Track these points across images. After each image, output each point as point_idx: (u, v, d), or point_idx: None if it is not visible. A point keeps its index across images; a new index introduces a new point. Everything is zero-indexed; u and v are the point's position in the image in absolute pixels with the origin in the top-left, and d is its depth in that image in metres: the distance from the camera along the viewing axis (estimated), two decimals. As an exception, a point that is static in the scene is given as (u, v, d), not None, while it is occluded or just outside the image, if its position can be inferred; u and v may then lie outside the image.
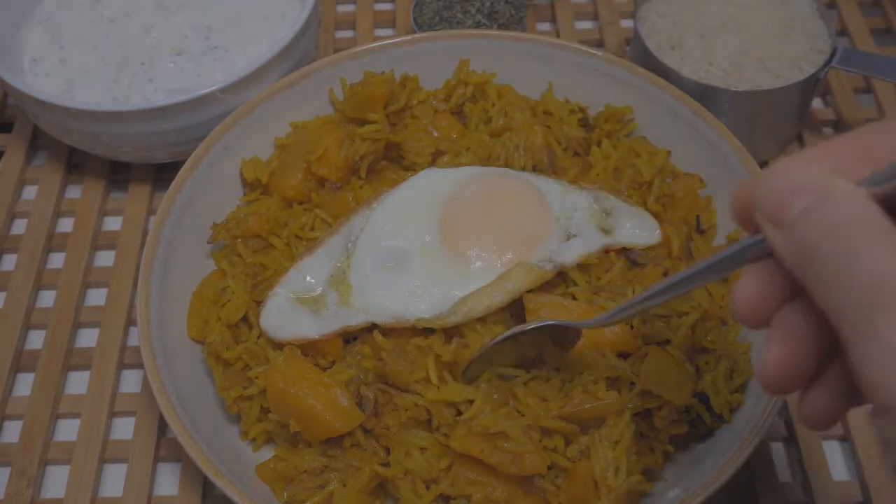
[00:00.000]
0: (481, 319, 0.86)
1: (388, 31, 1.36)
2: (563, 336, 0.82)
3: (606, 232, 0.94)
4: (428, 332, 0.86)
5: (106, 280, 1.08)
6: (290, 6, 1.19)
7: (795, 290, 0.50)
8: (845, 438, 0.93)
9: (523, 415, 0.81)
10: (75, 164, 1.20)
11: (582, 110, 1.06)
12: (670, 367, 0.83)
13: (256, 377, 0.87)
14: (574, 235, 0.92)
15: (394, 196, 0.95)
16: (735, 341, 0.88)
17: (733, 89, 1.06)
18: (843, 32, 1.31)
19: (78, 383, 1.01)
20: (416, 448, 0.83)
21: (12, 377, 1.00)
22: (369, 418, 0.84)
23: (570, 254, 0.91)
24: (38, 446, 0.94)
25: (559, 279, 0.90)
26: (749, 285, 0.52)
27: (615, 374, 0.83)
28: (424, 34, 1.11)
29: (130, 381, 1.01)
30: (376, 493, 0.84)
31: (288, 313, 0.90)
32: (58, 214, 1.15)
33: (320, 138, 1.00)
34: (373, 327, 0.88)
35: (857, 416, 0.93)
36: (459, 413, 0.82)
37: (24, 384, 1.00)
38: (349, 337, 0.90)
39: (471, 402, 0.81)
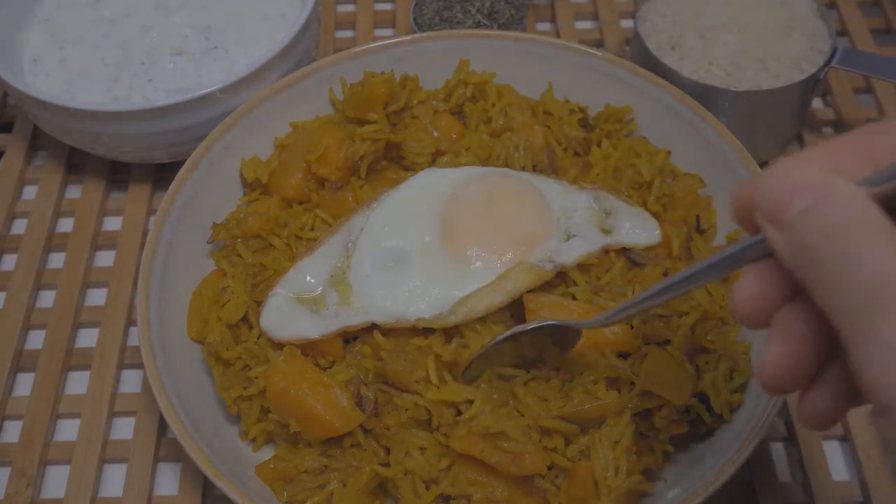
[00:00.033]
0: (481, 319, 0.86)
1: (388, 31, 1.36)
2: (563, 336, 0.82)
3: (606, 232, 0.94)
4: (428, 332, 0.86)
5: (106, 280, 1.08)
6: (290, 6, 1.19)
7: (795, 290, 0.50)
8: (845, 438, 0.93)
9: (523, 415, 0.81)
10: (75, 164, 1.20)
11: (582, 110, 1.06)
12: (670, 367, 0.83)
13: (256, 377, 0.87)
14: (574, 235, 0.92)
15: (394, 196, 0.95)
16: (735, 341, 0.88)
17: (733, 89, 1.06)
18: (843, 32, 1.31)
19: (78, 383, 1.01)
20: (416, 448, 0.83)
21: (12, 377, 1.00)
22: (369, 418, 0.84)
23: (570, 254, 0.91)
24: (38, 446, 0.94)
25: (559, 279, 0.90)
26: (749, 285, 0.52)
27: (615, 374, 0.83)
28: (424, 34, 1.11)
29: (130, 381, 1.01)
30: (376, 493, 0.84)
31: (288, 313, 0.90)
32: (58, 214, 1.15)
33: (320, 138, 1.00)
34: (373, 327, 0.88)
35: (857, 417, 0.93)
36: (459, 413, 0.82)
37: (24, 384, 1.00)
38: (349, 337, 0.90)
39: (471, 402, 0.81)
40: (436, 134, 1.04)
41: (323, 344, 0.88)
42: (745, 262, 0.54)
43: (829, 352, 0.50)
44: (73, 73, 1.13)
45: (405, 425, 0.84)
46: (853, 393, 0.50)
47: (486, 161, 1.00)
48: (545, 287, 0.89)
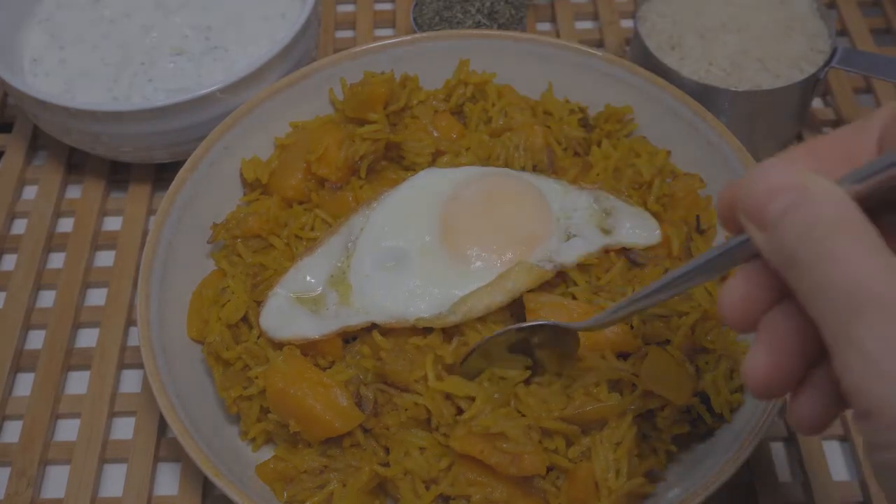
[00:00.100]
0: (481, 319, 0.86)
1: (388, 31, 1.36)
2: (563, 343, 0.82)
3: (606, 232, 0.94)
4: (427, 331, 0.86)
5: (106, 280, 1.08)
6: (290, 6, 1.19)
7: (784, 292, 0.50)
8: (845, 438, 0.94)
9: (524, 415, 0.81)
10: (75, 164, 1.20)
11: (582, 110, 1.06)
12: (670, 367, 0.83)
13: (256, 377, 0.87)
14: (574, 235, 0.92)
15: (394, 196, 0.95)
16: (735, 341, 0.88)
17: (733, 89, 1.06)
18: (843, 32, 1.31)
19: (78, 383, 1.01)
20: (415, 448, 0.83)
21: (12, 377, 1.00)
22: (369, 418, 0.84)
23: (570, 254, 0.91)
24: (38, 446, 0.94)
25: (559, 279, 0.90)
26: (736, 287, 0.51)
27: (617, 376, 0.83)
28: (424, 34, 1.11)
29: (130, 381, 1.01)
30: (376, 493, 0.84)
31: (288, 313, 0.90)
32: (58, 214, 1.15)
33: (320, 138, 1.00)
34: (372, 327, 0.88)
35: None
36: (460, 412, 0.82)
37: (24, 384, 1.00)
38: (349, 337, 0.90)
39: (471, 399, 0.81)
40: (436, 134, 1.04)
41: (323, 344, 0.88)
42: (737, 262, 0.54)
43: (818, 354, 0.50)
44: (73, 73, 1.13)
45: (405, 425, 0.84)
46: (842, 396, 0.50)
47: (486, 161, 1.00)
48: (545, 287, 0.89)
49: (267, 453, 0.88)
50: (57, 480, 0.94)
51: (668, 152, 1.03)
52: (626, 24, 1.34)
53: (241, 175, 1.04)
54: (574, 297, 0.88)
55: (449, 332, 0.86)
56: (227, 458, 0.84)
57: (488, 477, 0.80)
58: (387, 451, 0.85)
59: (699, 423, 0.84)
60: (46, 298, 1.08)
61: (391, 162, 1.03)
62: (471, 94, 1.07)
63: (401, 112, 1.04)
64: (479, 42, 1.10)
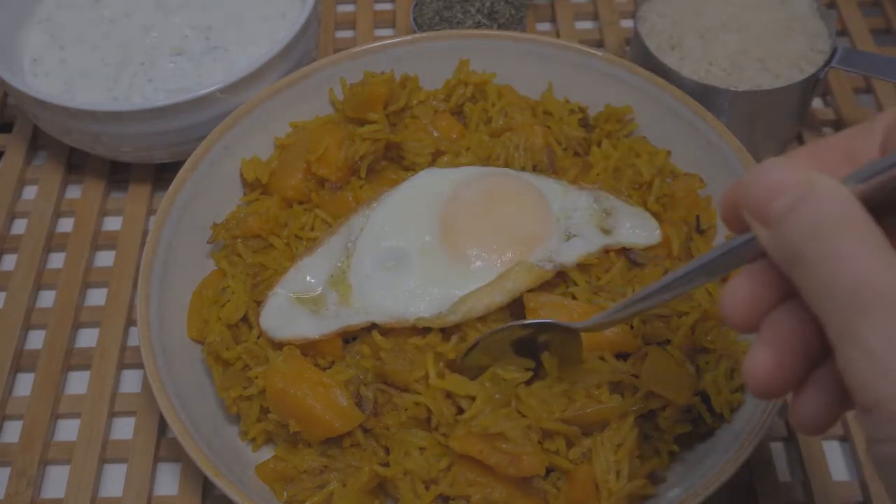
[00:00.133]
0: (481, 319, 0.86)
1: (388, 31, 1.36)
2: (567, 348, 0.82)
3: (606, 232, 0.94)
4: (427, 331, 0.86)
5: (106, 280, 1.08)
6: (290, 6, 1.19)
7: (787, 292, 0.50)
8: (845, 438, 0.94)
9: (525, 416, 0.81)
10: (75, 164, 1.20)
11: (582, 110, 1.06)
12: (670, 367, 0.83)
13: (256, 377, 0.87)
14: (574, 235, 0.92)
15: (394, 196, 0.95)
16: (735, 341, 0.88)
17: (733, 89, 1.06)
18: (843, 32, 1.31)
19: (78, 383, 1.01)
20: (415, 448, 0.83)
21: (12, 377, 1.00)
22: (369, 418, 0.84)
23: (570, 254, 0.91)
24: (38, 446, 0.94)
25: (559, 279, 0.90)
26: (741, 286, 0.51)
27: (619, 378, 0.83)
28: (424, 34, 1.11)
29: (130, 381, 1.01)
30: (376, 493, 0.84)
31: (288, 313, 0.90)
32: (58, 214, 1.15)
33: (320, 138, 1.00)
34: (372, 327, 0.88)
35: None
36: (460, 412, 0.82)
37: (24, 384, 1.00)
38: (349, 337, 0.90)
39: (472, 398, 0.81)
40: (436, 134, 1.04)
41: (323, 344, 0.88)
42: (739, 263, 0.54)
43: (820, 354, 0.50)
44: (73, 73, 1.13)
45: (405, 425, 0.84)
46: (846, 394, 0.50)
47: (486, 161, 1.00)
48: (545, 287, 0.89)
49: (267, 453, 0.88)
50: (57, 480, 0.94)
51: (668, 152, 1.03)
52: (626, 24, 1.34)
53: (241, 175, 1.04)
54: (574, 297, 0.88)
55: (448, 332, 0.86)
56: (227, 458, 0.84)
57: (488, 477, 0.80)
58: (387, 451, 0.85)
59: (700, 423, 0.84)
60: (46, 298, 1.08)
61: (391, 162, 1.03)
62: (471, 94, 1.07)
63: (401, 112, 1.04)
64: (479, 42, 1.10)
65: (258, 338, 0.90)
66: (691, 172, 1.00)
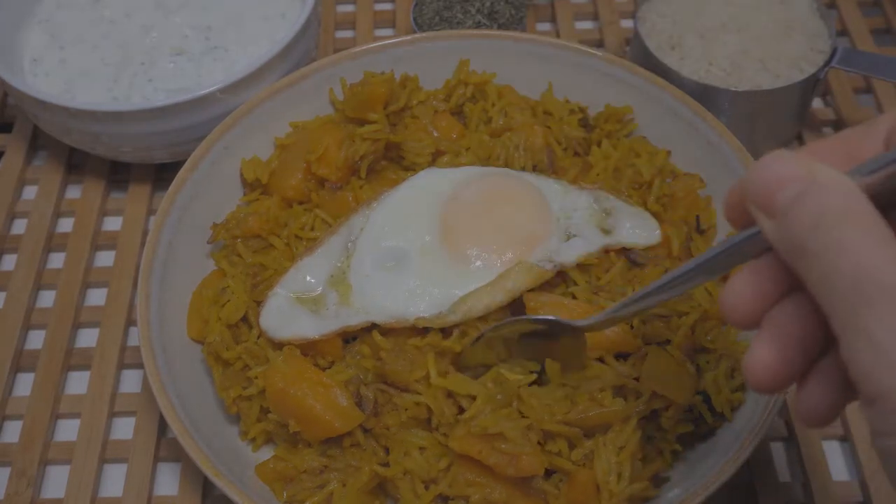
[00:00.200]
0: (481, 318, 0.86)
1: (388, 31, 1.36)
2: (571, 352, 0.82)
3: (606, 232, 0.94)
4: (427, 331, 0.86)
5: (106, 280, 1.08)
6: (290, 6, 1.19)
7: (790, 286, 0.50)
8: (845, 438, 0.93)
9: (526, 416, 0.81)
10: (75, 164, 1.20)
11: (582, 110, 1.06)
12: (671, 367, 0.83)
13: (256, 377, 0.87)
14: (574, 235, 0.93)
15: (394, 196, 0.95)
16: (735, 341, 0.88)
17: (733, 89, 1.06)
18: (843, 32, 1.31)
19: (78, 383, 1.01)
20: (415, 448, 0.83)
21: (12, 377, 1.00)
22: (369, 418, 0.84)
23: (570, 254, 0.91)
24: (38, 446, 0.94)
25: (559, 279, 0.90)
26: (745, 281, 0.52)
27: (622, 382, 0.83)
28: (424, 34, 1.11)
29: (130, 381, 1.01)
30: (376, 493, 0.84)
31: (288, 313, 0.90)
32: (58, 214, 1.15)
33: (320, 138, 1.00)
34: (372, 327, 0.88)
35: (858, 417, 0.93)
36: (461, 412, 0.82)
37: (24, 384, 1.00)
38: (349, 337, 0.90)
39: (472, 398, 0.81)
40: (436, 134, 1.04)
41: (322, 344, 0.88)
42: (738, 261, 0.54)
43: (822, 348, 0.50)
44: (73, 73, 1.13)
45: (405, 425, 0.84)
46: (849, 385, 0.50)
47: (486, 161, 1.00)
48: (545, 287, 0.89)
49: (267, 453, 0.88)
50: (57, 480, 0.94)
51: (668, 152, 1.03)
52: (626, 24, 1.34)
53: (241, 175, 1.04)
54: (574, 297, 0.88)
55: (448, 332, 0.86)
56: (227, 458, 0.84)
57: (487, 477, 0.80)
58: (387, 451, 0.85)
59: (701, 423, 0.84)
60: (46, 298, 1.08)
61: (391, 162, 1.03)
62: (471, 94, 1.07)
63: (401, 112, 1.04)
64: (479, 42, 1.10)
65: (258, 338, 0.90)
66: (691, 172, 1.00)
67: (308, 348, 0.88)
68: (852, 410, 0.92)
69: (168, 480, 0.93)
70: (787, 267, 0.49)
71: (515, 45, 1.09)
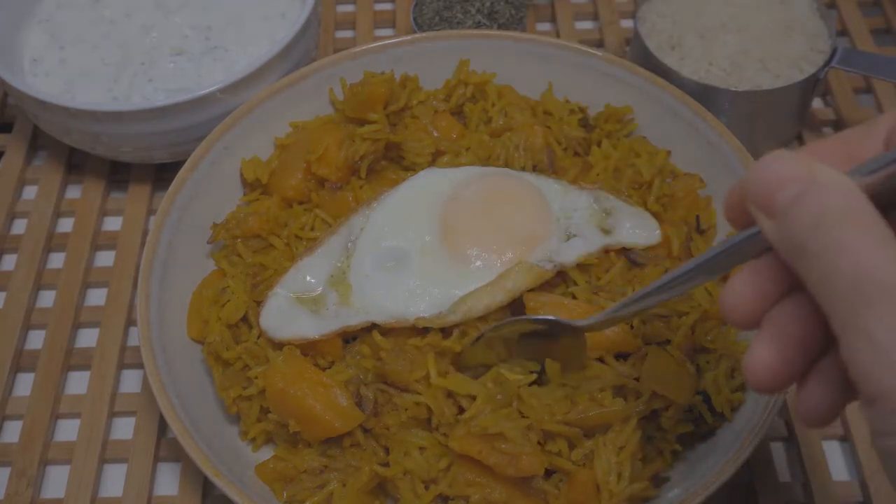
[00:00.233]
0: (481, 318, 0.86)
1: (388, 31, 1.36)
2: (572, 353, 0.82)
3: (606, 232, 0.94)
4: (427, 331, 0.86)
5: (106, 280, 1.08)
6: (290, 6, 1.19)
7: (788, 288, 0.50)
8: (845, 438, 0.93)
9: (526, 416, 0.81)
10: (75, 164, 1.20)
11: (582, 110, 1.06)
12: (670, 367, 0.83)
13: (256, 377, 0.87)
14: (574, 235, 0.93)
15: (394, 196, 0.95)
16: (735, 341, 0.88)
17: (733, 89, 1.06)
18: (843, 32, 1.31)
19: (78, 383, 1.01)
20: (415, 448, 0.83)
21: (12, 377, 1.00)
22: (369, 418, 0.84)
23: (570, 254, 0.91)
24: (38, 446, 0.94)
25: (559, 279, 0.90)
26: (746, 280, 0.52)
27: (622, 383, 0.83)
28: (424, 34, 1.11)
29: (130, 381, 1.01)
30: (376, 493, 0.84)
31: (288, 313, 0.90)
32: (58, 214, 1.15)
33: (320, 138, 1.00)
34: (372, 327, 0.88)
35: (858, 417, 0.93)
36: (461, 412, 0.82)
37: (24, 384, 1.00)
38: (349, 337, 0.90)
39: (473, 398, 0.81)
40: (436, 134, 1.04)
41: (322, 344, 0.88)
42: (738, 261, 0.54)
43: (822, 348, 0.50)
44: (73, 73, 1.13)
45: (405, 425, 0.84)
46: (849, 385, 0.50)
47: (486, 161, 1.00)
48: (545, 287, 0.89)
49: (267, 453, 0.88)
50: (57, 480, 0.94)
51: (668, 152, 1.03)
52: (626, 24, 1.34)
53: (241, 175, 1.04)
54: (574, 297, 0.88)
55: (448, 332, 0.86)
56: (227, 458, 0.84)
57: (487, 477, 0.80)
58: (387, 451, 0.85)
59: (701, 423, 0.84)
60: (46, 298, 1.08)
61: (391, 162, 1.03)
62: (471, 94, 1.07)
63: (401, 112, 1.04)
64: (479, 42, 1.10)
65: (258, 338, 0.90)
66: (691, 172, 1.00)
67: (308, 348, 0.88)
68: (852, 410, 0.92)
69: (168, 480, 0.93)
70: (787, 267, 0.49)
71: (515, 45, 1.09)
